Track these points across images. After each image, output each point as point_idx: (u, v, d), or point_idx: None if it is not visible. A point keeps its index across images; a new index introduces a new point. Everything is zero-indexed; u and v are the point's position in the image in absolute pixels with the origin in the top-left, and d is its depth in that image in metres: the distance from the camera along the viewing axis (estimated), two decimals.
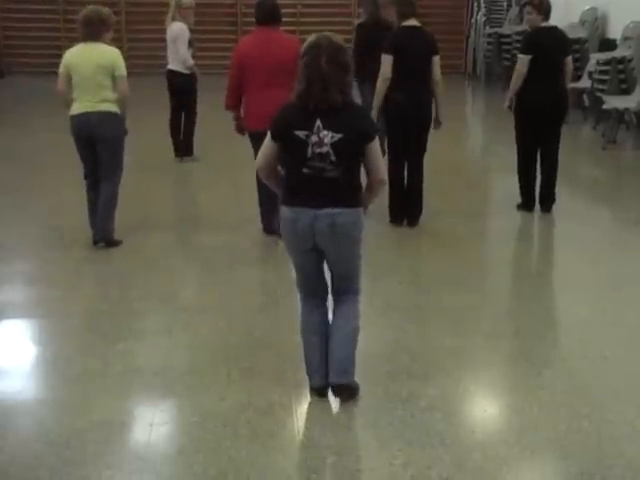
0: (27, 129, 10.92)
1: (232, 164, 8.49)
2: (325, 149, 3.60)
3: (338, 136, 3.59)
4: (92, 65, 5.94)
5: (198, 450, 3.57)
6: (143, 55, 15.42)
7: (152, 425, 3.77)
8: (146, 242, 6.43)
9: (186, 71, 8.79)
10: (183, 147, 9.08)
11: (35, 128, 10.89)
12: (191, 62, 8.75)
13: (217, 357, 4.45)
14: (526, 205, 7.19)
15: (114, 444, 3.62)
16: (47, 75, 14.84)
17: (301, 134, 3.63)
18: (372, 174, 3.77)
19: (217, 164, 9.04)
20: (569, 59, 7.01)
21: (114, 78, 5.97)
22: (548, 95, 6.86)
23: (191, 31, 8.85)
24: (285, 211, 3.78)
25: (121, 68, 5.99)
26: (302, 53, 3.71)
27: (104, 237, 6.16)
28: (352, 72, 3.72)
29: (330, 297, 4.01)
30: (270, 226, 6.28)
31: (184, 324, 4.91)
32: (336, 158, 3.62)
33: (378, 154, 3.76)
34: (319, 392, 3.95)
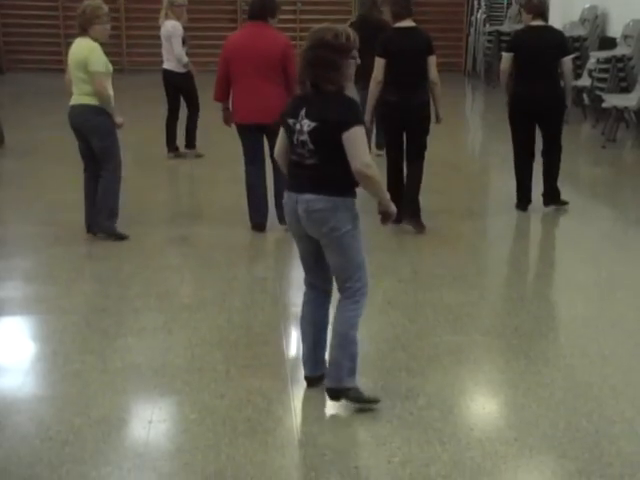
0: (27, 126, 10.91)
1: (229, 160, 8.47)
2: (304, 137, 3.66)
3: (313, 125, 3.63)
4: (73, 60, 6.07)
5: (197, 447, 3.57)
6: (142, 52, 15.40)
7: (151, 422, 3.77)
8: (145, 238, 6.43)
9: (182, 70, 8.80)
10: (187, 141, 9.14)
11: (35, 125, 10.88)
12: (186, 59, 8.75)
13: (216, 354, 4.46)
14: (519, 204, 7.21)
15: (113, 441, 3.63)
16: (47, 72, 14.90)
17: (290, 121, 3.73)
18: (350, 165, 3.62)
19: (214, 160, 9.04)
20: (566, 59, 6.89)
21: (89, 73, 5.99)
22: (535, 94, 6.81)
23: (185, 28, 8.85)
24: (284, 195, 3.91)
25: (94, 63, 5.95)
26: None
27: (97, 229, 6.30)
28: (339, 65, 3.64)
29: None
30: (256, 218, 6.54)
31: (183, 321, 4.91)
32: (313, 146, 3.65)
33: (355, 144, 3.59)
34: (307, 381, 4.07)
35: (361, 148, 3.61)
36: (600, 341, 4.69)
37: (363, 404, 3.86)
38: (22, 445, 3.60)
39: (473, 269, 5.98)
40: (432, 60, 6.44)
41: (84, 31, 5.99)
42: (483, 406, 4.09)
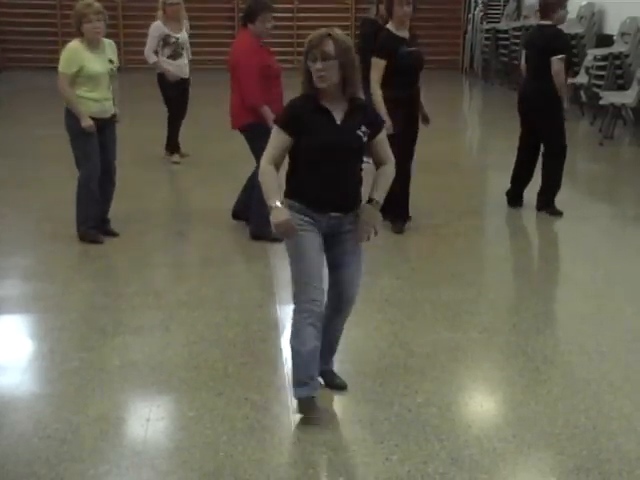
0: (24, 124, 10.90)
1: (228, 160, 8.49)
2: None
3: None
4: None
5: (195, 445, 3.57)
6: (140, 50, 15.37)
7: (149, 420, 3.77)
8: (143, 237, 6.43)
9: (157, 70, 8.76)
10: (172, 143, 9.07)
11: (33, 123, 10.87)
12: (152, 60, 8.66)
13: (214, 352, 4.45)
14: (509, 200, 7.26)
15: (111, 439, 3.62)
16: (44, 70, 14.87)
17: None
18: None
19: (214, 160, 9.04)
20: (554, 59, 6.65)
21: None
22: (523, 92, 7.05)
23: (180, 29, 8.79)
24: None
25: (59, 63, 5.91)
26: None
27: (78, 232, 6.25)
28: (305, 69, 3.53)
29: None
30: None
31: (181, 319, 4.91)
32: None
33: None
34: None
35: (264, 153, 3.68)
36: (598, 338, 4.69)
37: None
38: (20, 443, 3.59)
39: (471, 266, 5.98)
40: (372, 62, 6.11)
41: (78, 31, 5.96)
42: (481, 403, 4.09)
